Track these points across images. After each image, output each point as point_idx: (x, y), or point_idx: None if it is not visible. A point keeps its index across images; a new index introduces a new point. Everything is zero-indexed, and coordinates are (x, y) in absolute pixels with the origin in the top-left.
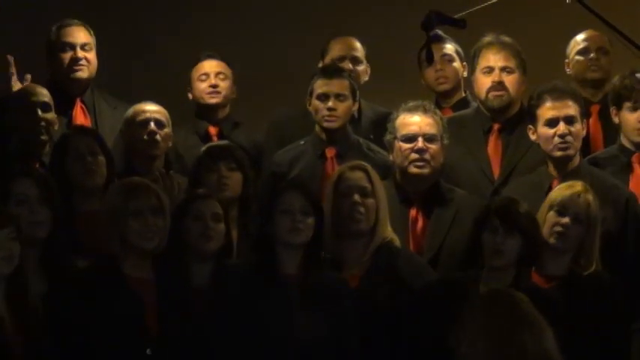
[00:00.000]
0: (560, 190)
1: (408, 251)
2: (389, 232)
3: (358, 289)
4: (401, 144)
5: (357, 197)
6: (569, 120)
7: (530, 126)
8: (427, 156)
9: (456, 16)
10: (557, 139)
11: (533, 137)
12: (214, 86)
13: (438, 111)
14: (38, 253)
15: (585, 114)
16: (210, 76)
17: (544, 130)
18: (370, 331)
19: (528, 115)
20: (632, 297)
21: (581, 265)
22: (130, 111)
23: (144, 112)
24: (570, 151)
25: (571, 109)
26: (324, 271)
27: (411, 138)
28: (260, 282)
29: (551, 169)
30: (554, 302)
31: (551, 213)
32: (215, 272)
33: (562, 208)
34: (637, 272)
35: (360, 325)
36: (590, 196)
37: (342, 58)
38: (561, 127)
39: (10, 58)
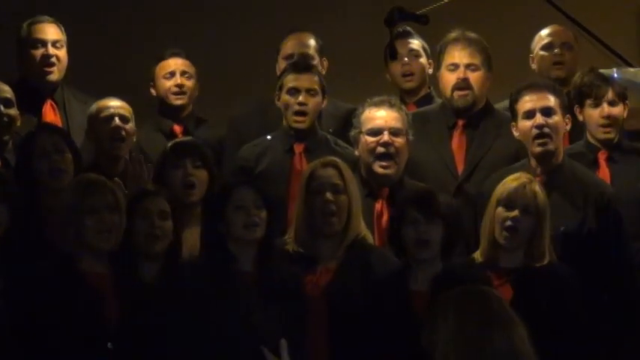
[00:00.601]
0: (506, 185)
1: (381, 248)
2: (362, 228)
3: (332, 284)
4: (366, 137)
5: (329, 195)
6: (546, 112)
7: (513, 123)
8: (392, 150)
9: (418, 13)
10: (534, 131)
11: (516, 134)
12: (180, 86)
13: (403, 106)
14: None
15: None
16: (176, 75)
17: (522, 124)
18: (342, 326)
19: (510, 114)
20: (607, 296)
21: (534, 257)
22: (94, 107)
23: (108, 107)
24: (550, 146)
25: (549, 101)
26: (279, 266)
27: (376, 131)
28: (216, 280)
29: (534, 164)
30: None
31: (500, 209)
32: (164, 270)
33: (509, 202)
34: (615, 272)
35: (332, 320)
36: (536, 187)
37: (291, 56)
38: (538, 118)
39: None
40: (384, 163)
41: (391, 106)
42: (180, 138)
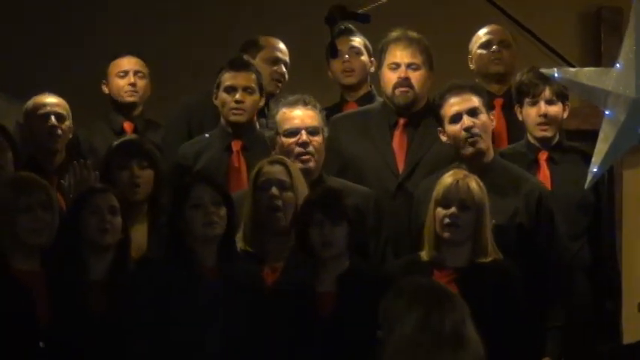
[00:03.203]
0: (441, 183)
1: None
2: None
3: (277, 283)
4: (284, 139)
5: (274, 190)
6: (472, 112)
7: (440, 128)
8: (311, 149)
9: (359, 11)
10: (464, 134)
11: (444, 139)
12: (133, 84)
13: (317, 104)
14: None
15: (490, 107)
16: (130, 74)
17: (451, 128)
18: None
19: (436, 119)
20: (542, 291)
21: (478, 252)
22: (30, 103)
23: (44, 105)
24: (480, 145)
25: (472, 101)
26: (240, 264)
27: (293, 132)
28: (179, 278)
29: (465, 166)
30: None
31: (439, 209)
32: (114, 267)
33: (446, 200)
34: (547, 268)
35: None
36: (471, 181)
37: (277, 60)
38: (465, 120)
39: None
40: (303, 158)
41: (305, 104)
42: (126, 137)
